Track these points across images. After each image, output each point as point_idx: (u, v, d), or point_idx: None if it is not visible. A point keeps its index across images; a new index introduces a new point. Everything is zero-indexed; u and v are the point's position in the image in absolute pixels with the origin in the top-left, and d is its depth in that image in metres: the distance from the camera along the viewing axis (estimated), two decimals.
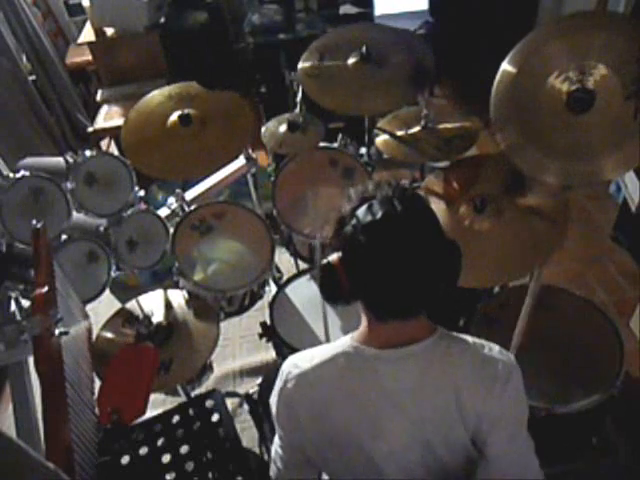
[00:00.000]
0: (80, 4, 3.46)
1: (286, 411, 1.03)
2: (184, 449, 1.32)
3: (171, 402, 1.74)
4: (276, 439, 1.10)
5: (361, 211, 0.93)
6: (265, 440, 1.61)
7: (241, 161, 2.13)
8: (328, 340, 1.65)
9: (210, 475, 1.27)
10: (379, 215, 0.91)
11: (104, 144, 3.38)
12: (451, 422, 0.98)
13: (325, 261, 0.98)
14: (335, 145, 2.01)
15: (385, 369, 0.97)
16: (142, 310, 1.69)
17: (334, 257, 0.97)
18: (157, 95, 1.93)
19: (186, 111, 1.84)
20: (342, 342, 1.03)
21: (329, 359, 1.00)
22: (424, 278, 0.94)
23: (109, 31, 3.19)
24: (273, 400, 1.06)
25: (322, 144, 2.03)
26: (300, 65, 1.96)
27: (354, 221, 0.93)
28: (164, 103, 1.90)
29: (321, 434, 1.02)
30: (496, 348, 1.01)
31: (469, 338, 1.02)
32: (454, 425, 0.98)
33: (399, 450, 1.00)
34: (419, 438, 0.99)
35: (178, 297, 1.78)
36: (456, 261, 0.98)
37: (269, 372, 1.67)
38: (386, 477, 1.02)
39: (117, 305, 2.09)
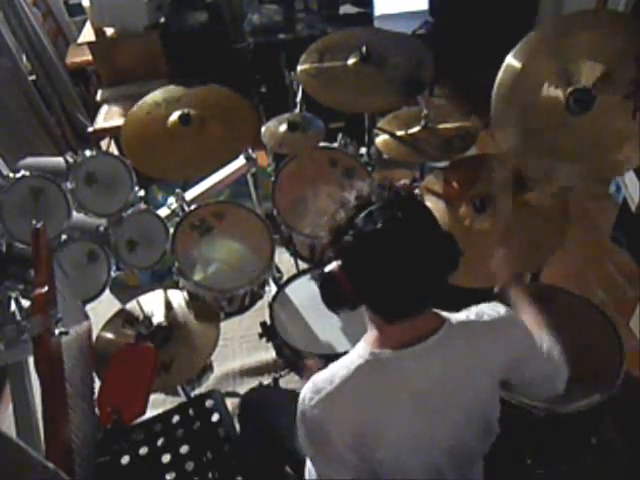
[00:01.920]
0: (80, 4, 3.45)
1: (319, 437, 1.00)
2: (184, 449, 1.32)
3: (171, 402, 1.74)
4: (311, 469, 1.06)
5: (360, 220, 0.93)
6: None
7: (241, 161, 2.13)
8: (328, 340, 1.66)
9: (210, 475, 1.28)
10: (380, 223, 0.90)
11: (104, 144, 3.38)
12: (477, 394, 1.04)
13: (326, 270, 0.99)
14: (335, 145, 2.01)
15: (410, 366, 0.98)
16: (142, 311, 1.69)
17: (334, 266, 0.98)
18: (145, 106, 1.93)
19: (186, 110, 1.85)
20: (358, 352, 1.01)
21: (352, 373, 0.98)
22: (429, 276, 0.95)
23: (109, 31, 3.19)
24: (301, 431, 1.03)
25: (322, 144, 2.03)
26: (299, 67, 1.96)
27: (353, 230, 0.93)
28: (155, 110, 1.90)
29: (360, 450, 1.00)
30: (487, 309, 1.06)
31: (466, 314, 1.05)
32: (480, 396, 1.05)
33: (429, 438, 1.03)
34: (449, 420, 1.03)
35: (178, 298, 1.78)
36: (455, 251, 0.99)
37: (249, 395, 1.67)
38: (412, 471, 1.04)
39: (117, 305, 2.09)
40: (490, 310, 1.06)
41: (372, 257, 0.92)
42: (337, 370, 1.00)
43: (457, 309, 1.09)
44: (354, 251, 0.94)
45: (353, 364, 0.99)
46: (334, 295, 0.99)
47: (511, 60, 1.56)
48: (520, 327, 1.09)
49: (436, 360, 0.99)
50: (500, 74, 1.56)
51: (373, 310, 1.00)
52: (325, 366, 1.25)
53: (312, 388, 1.00)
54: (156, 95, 1.94)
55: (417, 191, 1.74)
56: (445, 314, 1.04)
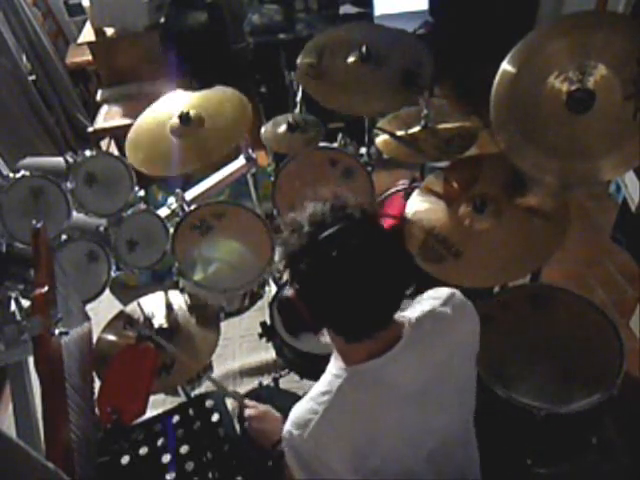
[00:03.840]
0: (80, 4, 3.46)
1: (318, 469, 0.98)
2: (184, 449, 1.32)
3: (171, 402, 1.74)
4: None
5: (314, 246, 0.91)
6: None
7: (241, 161, 2.13)
8: (328, 340, 1.65)
9: (210, 475, 1.27)
10: (335, 252, 0.88)
11: (104, 144, 3.38)
12: (465, 374, 1.07)
13: (283, 297, 0.98)
14: (335, 145, 2.01)
15: (388, 371, 0.97)
16: (143, 312, 1.69)
17: (291, 292, 0.96)
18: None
19: (186, 110, 1.85)
20: (333, 373, 1.00)
21: (335, 396, 0.97)
22: (387, 296, 0.94)
23: (109, 31, 3.19)
24: (295, 467, 1.02)
25: (322, 144, 2.03)
26: (299, 60, 1.95)
27: (307, 257, 0.91)
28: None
29: (360, 466, 0.99)
30: (434, 294, 1.08)
31: (421, 308, 1.05)
32: (463, 372, 1.07)
33: (423, 433, 1.03)
34: (443, 407, 1.03)
35: (179, 299, 1.78)
36: (411, 268, 0.98)
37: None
38: (408, 467, 1.05)
39: (117, 305, 2.09)
40: (437, 294, 1.08)
41: (327, 285, 0.90)
42: (317, 397, 0.98)
43: None
44: (309, 278, 0.92)
45: (333, 386, 0.98)
46: (292, 321, 0.99)
47: (506, 66, 1.56)
48: (462, 297, 1.10)
49: (411, 360, 0.98)
50: (496, 79, 1.57)
51: (334, 332, 0.98)
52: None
53: (296, 424, 0.98)
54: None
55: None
56: (401, 315, 1.02)
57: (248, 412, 1.33)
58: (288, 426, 1.00)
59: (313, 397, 0.99)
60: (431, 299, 1.07)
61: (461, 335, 1.06)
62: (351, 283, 0.90)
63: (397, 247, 0.97)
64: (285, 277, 1.94)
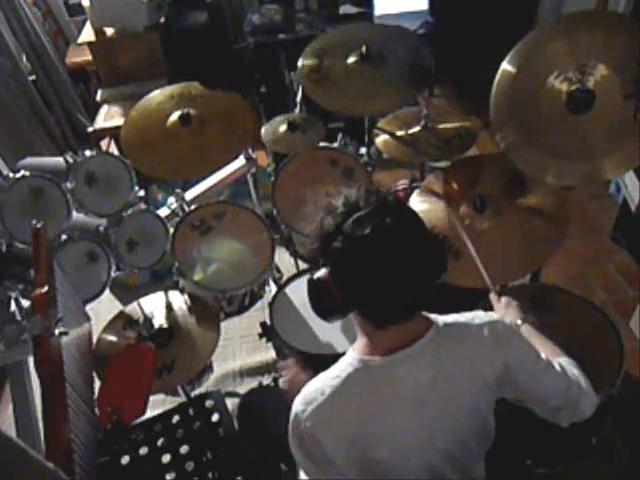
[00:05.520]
0: (80, 4, 3.46)
1: (312, 448, 1.00)
2: (184, 449, 1.32)
3: (171, 402, 1.74)
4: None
5: (348, 226, 0.92)
6: None
7: (241, 161, 2.13)
8: (328, 340, 1.66)
9: (210, 475, 1.27)
10: (368, 230, 0.90)
11: (104, 144, 3.38)
12: (474, 399, 1.03)
13: (315, 277, 0.99)
14: (335, 145, 2.01)
15: (399, 371, 0.97)
16: (143, 313, 1.69)
17: (323, 273, 0.98)
18: (158, 95, 1.95)
19: (186, 110, 1.85)
20: (347, 360, 1.01)
21: (342, 382, 0.98)
22: (418, 281, 0.95)
23: (109, 31, 3.19)
24: (293, 443, 1.03)
25: (322, 144, 2.03)
26: (300, 63, 1.95)
27: (342, 236, 0.93)
28: (165, 103, 1.91)
29: (355, 459, 1.00)
30: (480, 314, 1.05)
31: (456, 317, 1.04)
32: (477, 400, 1.03)
33: (426, 443, 1.02)
34: (446, 424, 1.02)
35: (179, 299, 1.78)
36: (443, 255, 0.99)
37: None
38: (411, 472, 1.04)
39: (117, 305, 2.09)
40: (483, 315, 1.06)
41: (361, 263, 0.92)
42: (328, 379, 1.00)
43: (456, 309, 1.08)
44: (343, 257, 0.94)
45: (343, 372, 0.99)
46: (323, 302, 0.99)
47: (506, 66, 1.56)
48: (512, 332, 1.05)
49: (426, 364, 0.98)
50: (496, 79, 1.57)
51: (363, 315, 0.99)
52: (304, 364, 1.25)
53: (303, 399, 1.00)
54: (174, 88, 1.97)
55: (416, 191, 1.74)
56: (433, 316, 1.03)
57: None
58: (297, 399, 1.02)
59: (325, 378, 1.01)
60: (472, 316, 1.05)
61: (489, 362, 1.01)
62: (382, 262, 0.91)
63: (430, 234, 0.97)
64: (285, 278, 1.96)
